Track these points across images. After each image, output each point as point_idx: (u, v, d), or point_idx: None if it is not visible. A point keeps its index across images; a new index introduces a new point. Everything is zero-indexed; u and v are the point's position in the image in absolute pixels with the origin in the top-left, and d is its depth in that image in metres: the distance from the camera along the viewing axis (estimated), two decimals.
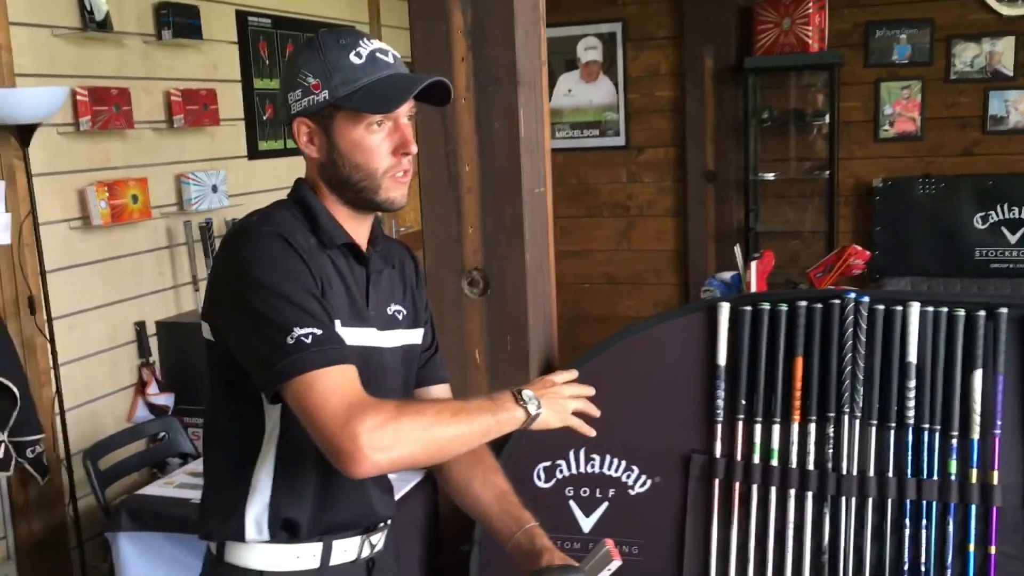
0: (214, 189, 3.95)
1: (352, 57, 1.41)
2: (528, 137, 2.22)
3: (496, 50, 2.16)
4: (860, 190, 5.30)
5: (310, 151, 1.45)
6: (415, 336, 1.62)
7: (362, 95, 1.39)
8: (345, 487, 1.47)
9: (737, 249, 3.21)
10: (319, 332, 1.31)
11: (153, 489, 2.49)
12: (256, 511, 1.44)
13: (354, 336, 1.45)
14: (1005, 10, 4.95)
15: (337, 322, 1.41)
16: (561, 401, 1.44)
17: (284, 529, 1.44)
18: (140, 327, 3.67)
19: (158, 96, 3.76)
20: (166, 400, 3.66)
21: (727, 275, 3.33)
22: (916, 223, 5.07)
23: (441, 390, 1.73)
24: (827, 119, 5.17)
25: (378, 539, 1.56)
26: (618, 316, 5.67)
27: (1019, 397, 1.91)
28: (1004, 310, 1.91)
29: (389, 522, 1.60)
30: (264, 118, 4.34)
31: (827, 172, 5.20)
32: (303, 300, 1.33)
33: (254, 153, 4.30)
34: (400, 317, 1.57)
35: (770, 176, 5.40)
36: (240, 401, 1.42)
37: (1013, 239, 4.92)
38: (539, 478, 2.19)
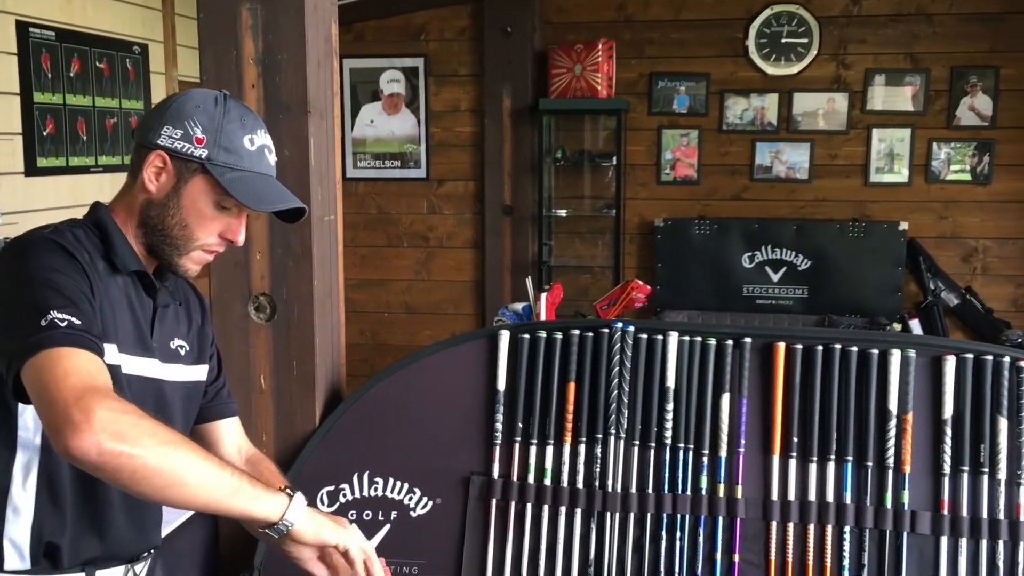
0: None
1: (246, 141, 1.45)
2: (318, 166, 2.26)
3: (287, 78, 2.19)
4: (644, 228, 5.66)
5: (149, 184, 1.43)
6: (198, 373, 1.61)
7: (237, 179, 1.42)
8: (108, 511, 1.43)
9: (528, 281, 3.36)
10: (77, 322, 1.25)
11: None
12: (17, 534, 1.38)
13: (136, 365, 1.43)
14: (771, 70, 5.47)
15: (114, 347, 1.39)
16: (328, 534, 1.42)
17: (46, 556, 1.39)
18: None
19: None
20: None
21: (519, 306, 3.47)
22: (693, 261, 5.45)
23: (231, 423, 1.72)
24: (614, 161, 5.49)
25: (142, 568, 1.53)
26: (417, 345, 5.71)
27: (760, 418, 2.12)
28: (748, 340, 2.13)
29: (153, 551, 1.57)
30: (44, 133, 4.12)
31: (614, 211, 5.52)
32: (68, 291, 1.29)
33: (32, 170, 4.06)
34: (182, 352, 1.56)
35: (563, 212, 5.67)
36: None
37: (775, 277, 5.40)
38: (322, 502, 2.21)
